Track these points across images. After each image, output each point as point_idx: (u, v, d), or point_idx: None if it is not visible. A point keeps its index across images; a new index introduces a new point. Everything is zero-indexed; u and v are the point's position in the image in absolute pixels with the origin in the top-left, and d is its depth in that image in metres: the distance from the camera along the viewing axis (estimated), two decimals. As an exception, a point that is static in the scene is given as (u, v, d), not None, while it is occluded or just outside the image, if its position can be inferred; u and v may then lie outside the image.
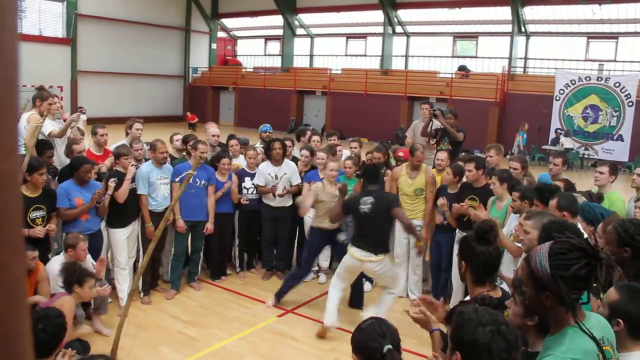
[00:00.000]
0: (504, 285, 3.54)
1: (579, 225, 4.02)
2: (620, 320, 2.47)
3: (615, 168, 6.17)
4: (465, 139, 8.54)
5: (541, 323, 2.25)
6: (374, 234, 5.60)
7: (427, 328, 2.70)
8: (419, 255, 7.06)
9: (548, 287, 2.06)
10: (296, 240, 7.95)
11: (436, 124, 8.79)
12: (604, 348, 2.09)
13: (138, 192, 6.50)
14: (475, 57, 27.95)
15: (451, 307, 3.42)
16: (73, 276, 4.87)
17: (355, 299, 6.69)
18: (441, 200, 6.46)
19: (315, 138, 8.56)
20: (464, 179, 6.58)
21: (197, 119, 26.81)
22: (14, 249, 0.61)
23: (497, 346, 1.83)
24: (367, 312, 5.48)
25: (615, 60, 23.87)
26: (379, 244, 5.62)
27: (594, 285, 2.30)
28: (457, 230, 6.45)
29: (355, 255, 5.65)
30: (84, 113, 8.33)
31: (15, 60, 0.60)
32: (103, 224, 6.32)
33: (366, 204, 5.57)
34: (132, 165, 6.50)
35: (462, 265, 2.92)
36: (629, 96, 20.33)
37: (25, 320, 0.62)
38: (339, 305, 5.94)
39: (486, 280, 2.86)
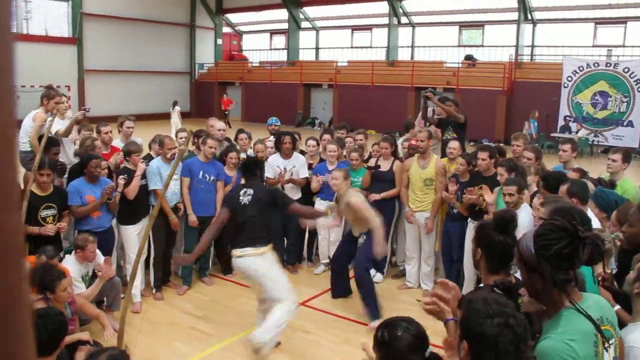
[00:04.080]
0: (519, 274, 3.51)
1: (590, 212, 4.00)
2: None
3: (628, 155, 6.10)
4: (467, 122, 8.43)
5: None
6: (253, 224, 5.24)
7: (441, 318, 2.67)
8: (428, 234, 7.03)
9: (535, 268, 2.11)
10: (307, 233, 7.94)
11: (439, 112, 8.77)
12: (602, 327, 2.11)
13: (151, 188, 6.52)
14: (482, 46, 27.80)
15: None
16: (39, 282, 4.49)
17: (338, 287, 6.69)
18: (452, 186, 6.43)
19: (311, 142, 8.21)
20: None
21: (232, 104, 26.92)
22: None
23: (504, 339, 1.82)
24: (256, 335, 4.83)
25: (624, 46, 23.61)
26: (259, 235, 5.24)
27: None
28: (469, 219, 6.44)
29: (235, 254, 5.24)
30: (88, 111, 8.34)
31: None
32: (114, 221, 6.34)
33: (245, 195, 5.38)
34: (142, 162, 6.51)
35: (477, 252, 2.89)
36: (638, 81, 20.15)
37: (24, 283, 0.61)
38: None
39: (501, 270, 2.83)
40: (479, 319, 1.87)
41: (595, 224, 3.93)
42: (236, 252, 5.21)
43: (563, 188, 4.33)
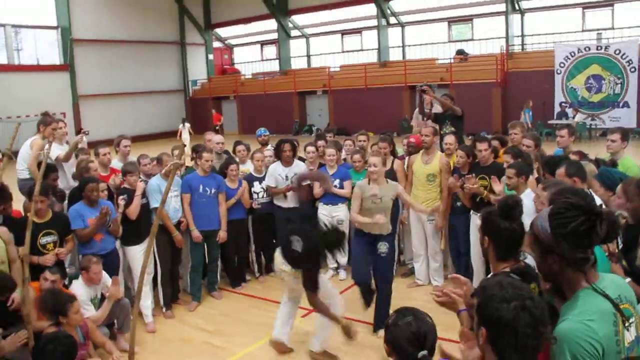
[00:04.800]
0: (529, 260, 3.49)
1: (591, 192, 3.99)
2: None
3: (626, 134, 6.10)
4: (464, 114, 8.43)
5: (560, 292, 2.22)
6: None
7: (454, 309, 2.66)
8: (437, 231, 7.00)
9: (552, 248, 2.07)
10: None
11: (436, 108, 8.77)
12: (622, 306, 2.07)
13: (152, 206, 6.50)
14: (472, 39, 27.81)
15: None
16: (51, 307, 4.60)
17: (368, 297, 6.17)
18: (452, 180, 6.43)
19: (310, 149, 7.94)
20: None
21: (221, 120, 27.06)
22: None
23: (521, 322, 1.79)
24: (314, 344, 5.41)
25: (613, 28, 23.63)
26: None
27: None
28: (472, 211, 6.43)
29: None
30: (87, 134, 8.38)
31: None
32: (118, 243, 6.32)
33: (295, 243, 5.16)
34: (141, 181, 6.50)
35: (485, 240, 2.87)
36: (630, 62, 20.19)
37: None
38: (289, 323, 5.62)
39: (509, 256, 2.82)
40: (495, 303, 1.85)
41: (598, 202, 3.92)
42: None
43: (560, 171, 4.35)
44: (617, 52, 20.45)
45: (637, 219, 3.43)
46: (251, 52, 37.04)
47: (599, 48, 21.05)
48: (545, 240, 2.09)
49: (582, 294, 2.07)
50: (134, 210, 6.27)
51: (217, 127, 25.97)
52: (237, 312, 6.70)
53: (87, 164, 6.60)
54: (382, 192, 5.76)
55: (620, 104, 20.50)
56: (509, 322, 1.80)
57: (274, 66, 34.31)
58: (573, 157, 5.57)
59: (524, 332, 1.79)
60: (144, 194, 6.46)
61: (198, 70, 34.99)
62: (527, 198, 4.92)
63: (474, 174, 6.24)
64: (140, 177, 6.54)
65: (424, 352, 2.34)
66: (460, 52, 26.47)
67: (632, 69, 20.16)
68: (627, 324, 2.07)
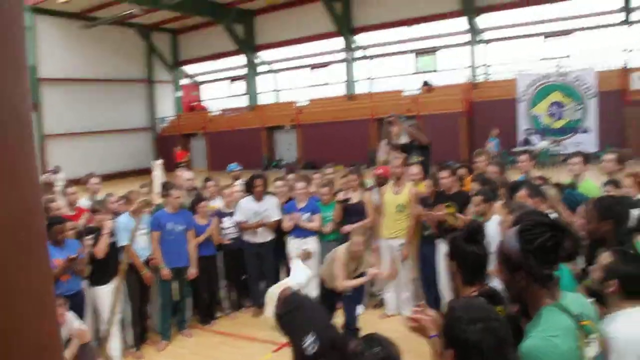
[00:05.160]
0: (495, 284, 3.53)
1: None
2: (614, 282, 2.64)
3: (588, 157, 6.30)
4: (430, 144, 8.56)
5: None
6: None
7: (425, 335, 2.67)
8: (403, 260, 7.03)
9: (520, 264, 2.14)
10: (283, 273, 7.89)
11: (404, 139, 8.88)
12: (583, 323, 2.13)
13: (121, 244, 6.41)
14: (437, 70, 28.31)
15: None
16: None
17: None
18: (417, 209, 6.51)
19: (279, 183, 8.09)
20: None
21: (186, 157, 26.86)
22: None
23: (487, 343, 1.84)
24: None
25: (572, 56, 24.35)
26: None
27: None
28: (439, 239, 6.49)
29: None
30: (57, 173, 8.31)
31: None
32: (85, 283, 6.21)
33: (310, 342, 4.07)
34: (109, 219, 6.42)
35: (452, 265, 2.91)
36: (589, 88, 20.85)
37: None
38: None
39: (476, 280, 2.85)
40: (462, 325, 1.89)
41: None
42: None
43: (522, 193, 4.47)
44: (576, 79, 21.12)
45: (595, 239, 3.52)
46: (219, 88, 37.13)
47: (559, 76, 21.68)
48: (514, 257, 2.15)
49: (545, 311, 2.13)
50: (101, 250, 6.18)
51: (181, 165, 25.72)
52: (208, 349, 6.61)
53: (47, 204, 6.52)
54: (365, 265, 5.99)
55: (582, 130, 21.06)
56: (475, 344, 1.84)
57: (243, 102, 34.44)
58: (536, 182, 5.70)
59: (489, 353, 1.82)
60: (112, 233, 6.38)
61: (166, 108, 34.94)
62: (495, 223, 5.02)
63: (448, 204, 6.31)
64: (108, 216, 6.47)
65: None
66: (425, 84, 26.91)
67: (591, 96, 20.82)
68: (587, 340, 2.12)
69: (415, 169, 7.30)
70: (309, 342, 3.95)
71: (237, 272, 7.69)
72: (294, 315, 4.27)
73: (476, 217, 5.69)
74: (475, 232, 2.89)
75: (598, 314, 2.47)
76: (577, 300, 2.27)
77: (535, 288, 2.15)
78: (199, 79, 37.80)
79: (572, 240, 2.13)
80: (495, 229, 4.88)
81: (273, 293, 4.85)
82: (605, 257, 2.76)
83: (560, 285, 2.27)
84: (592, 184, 5.97)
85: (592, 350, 2.15)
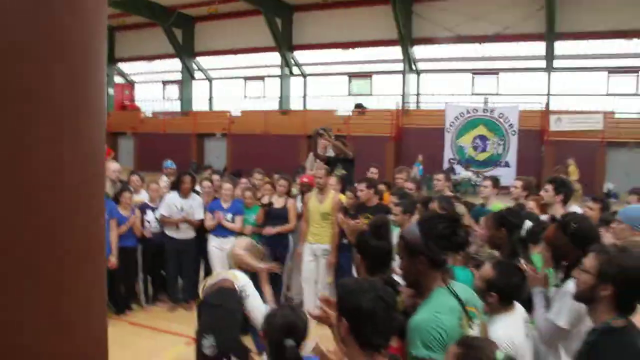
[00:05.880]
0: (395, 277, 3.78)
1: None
2: (495, 294, 2.92)
3: (497, 181, 6.76)
4: (355, 158, 8.88)
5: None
6: None
7: (329, 324, 2.86)
8: (329, 268, 7.22)
9: (421, 249, 2.38)
10: (202, 271, 7.95)
11: (330, 152, 9.15)
12: (467, 308, 2.40)
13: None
14: (370, 94, 29.00)
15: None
16: None
17: None
18: (340, 217, 6.73)
19: (206, 184, 8.14)
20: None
21: (111, 155, 26.12)
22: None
23: (379, 308, 2.05)
24: None
25: (497, 94, 25.58)
26: None
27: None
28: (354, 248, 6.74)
29: None
30: None
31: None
32: None
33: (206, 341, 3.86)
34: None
35: (357, 258, 3.14)
36: (511, 125, 22.01)
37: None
38: None
39: (377, 271, 3.07)
40: (354, 295, 2.09)
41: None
42: None
43: (433, 205, 4.80)
44: (501, 115, 22.24)
45: (493, 246, 3.85)
46: (153, 90, 36.62)
47: (485, 111, 22.75)
48: (415, 244, 2.40)
49: (436, 292, 2.39)
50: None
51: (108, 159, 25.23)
52: (122, 338, 6.55)
53: None
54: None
55: (502, 164, 22.13)
56: (368, 310, 2.04)
57: (176, 106, 34.09)
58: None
59: (382, 316, 2.04)
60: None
61: (96, 104, 34.08)
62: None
63: (359, 221, 6.55)
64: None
65: (290, 342, 2.54)
66: (358, 106, 27.51)
67: (513, 132, 21.99)
68: (470, 324, 2.39)
69: (332, 180, 7.57)
70: (208, 344, 3.79)
71: (156, 267, 7.69)
72: (209, 311, 4.08)
73: (394, 227, 5.98)
74: (379, 227, 3.15)
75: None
76: (465, 290, 2.55)
77: (430, 272, 2.41)
78: (134, 78, 37.19)
79: (465, 229, 2.41)
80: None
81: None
82: (487, 270, 3.03)
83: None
84: (500, 205, 6.38)
85: (473, 332, 2.41)
